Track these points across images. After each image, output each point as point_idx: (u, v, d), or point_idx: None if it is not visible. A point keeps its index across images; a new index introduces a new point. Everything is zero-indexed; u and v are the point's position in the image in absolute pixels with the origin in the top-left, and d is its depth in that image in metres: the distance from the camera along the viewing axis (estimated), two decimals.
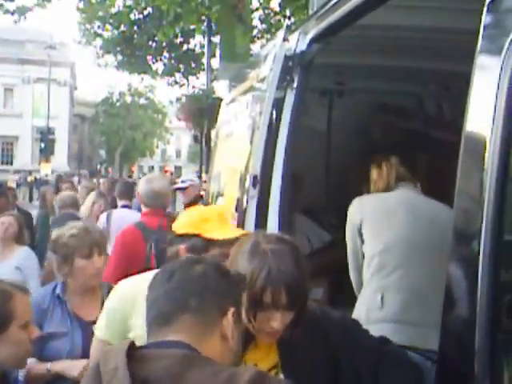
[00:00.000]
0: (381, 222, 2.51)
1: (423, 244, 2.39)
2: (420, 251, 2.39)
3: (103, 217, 5.01)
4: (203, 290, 1.20)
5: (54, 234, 2.65)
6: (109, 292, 2.49)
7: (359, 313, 2.40)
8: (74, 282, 2.54)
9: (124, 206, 5.37)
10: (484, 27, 1.44)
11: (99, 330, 2.11)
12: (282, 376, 1.52)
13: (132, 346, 1.15)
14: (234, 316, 1.21)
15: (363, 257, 2.52)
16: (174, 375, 1.08)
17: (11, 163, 46.48)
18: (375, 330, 2.19)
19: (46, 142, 33.92)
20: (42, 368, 2.38)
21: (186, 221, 2.06)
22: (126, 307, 2.03)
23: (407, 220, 2.46)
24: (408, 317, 2.29)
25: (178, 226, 2.04)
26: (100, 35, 18.78)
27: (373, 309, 2.34)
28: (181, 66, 19.13)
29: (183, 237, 1.98)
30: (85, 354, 2.32)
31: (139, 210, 4.48)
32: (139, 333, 1.98)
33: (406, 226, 2.45)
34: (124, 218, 4.49)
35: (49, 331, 2.44)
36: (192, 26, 15.96)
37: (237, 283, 1.29)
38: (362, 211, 2.57)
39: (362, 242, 2.53)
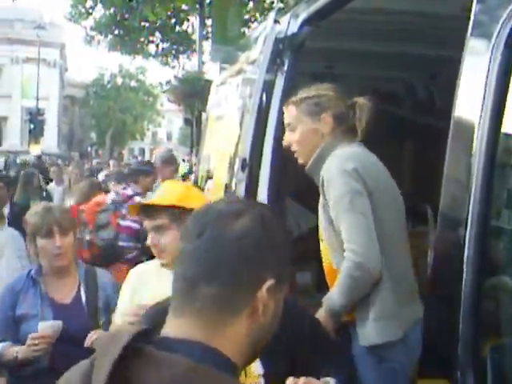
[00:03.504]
0: (386, 194, 2.09)
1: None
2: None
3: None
4: (238, 256, 0.93)
5: (27, 214, 2.67)
6: (86, 274, 2.58)
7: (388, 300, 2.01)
8: (44, 263, 2.53)
9: (126, 188, 5.52)
10: (474, 13, 1.43)
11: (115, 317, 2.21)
12: None
13: (144, 333, 0.90)
14: (271, 289, 0.94)
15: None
16: None
17: (0, 144, 46.08)
18: (409, 313, 2.00)
19: (35, 123, 33.57)
20: (10, 353, 2.36)
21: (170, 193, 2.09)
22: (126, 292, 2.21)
23: (394, 191, 2.15)
24: (410, 298, 2.14)
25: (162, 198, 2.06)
26: (91, 14, 18.57)
27: (403, 292, 2.04)
28: (173, 47, 18.98)
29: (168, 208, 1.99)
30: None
31: None
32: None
33: (395, 197, 2.14)
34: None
35: (20, 313, 2.44)
36: (185, 7, 15.83)
37: (284, 246, 1.00)
38: (366, 175, 2.03)
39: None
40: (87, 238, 4.22)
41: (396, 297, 1.98)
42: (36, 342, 2.28)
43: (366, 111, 2.15)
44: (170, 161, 5.19)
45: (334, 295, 2.02)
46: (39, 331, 2.30)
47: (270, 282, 0.94)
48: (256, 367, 1.56)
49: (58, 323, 2.34)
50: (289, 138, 2.23)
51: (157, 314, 1.39)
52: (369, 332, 1.96)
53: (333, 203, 2.03)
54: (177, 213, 1.96)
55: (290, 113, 2.22)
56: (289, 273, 1.01)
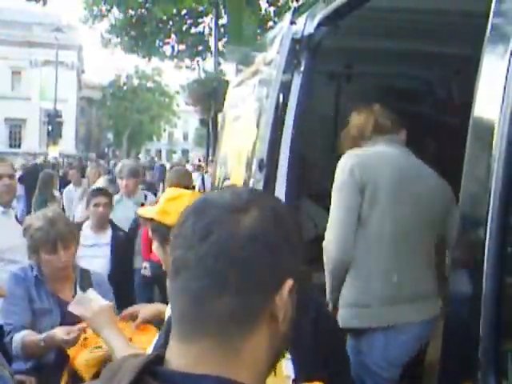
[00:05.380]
0: (395, 192, 2.26)
1: (422, 217, 2.28)
2: (421, 225, 2.29)
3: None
4: (252, 259, 0.78)
5: (26, 220, 2.76)
6: (81, 274, 2.71)
7: (369, 290, 2.25)
8: (46, 271, 2.62)
9: (141, 189, 5.97)
10: (494, 12, 1.42)
11: None
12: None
13: (151, 363, 0.78)
14: (290, 291, 0.81)
15: (358, 219, 2.28)
16: None
17: (19, 146, 46.60)
18: (392, 312, 2.22)
19: (53, 124, 33.92)
20: (34, 340, 2.40)
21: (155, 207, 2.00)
22: None
23: (415, 190, 2.29)
24: (422, 291, 2.26)
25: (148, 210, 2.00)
26: (105, 16, 18.71)
27: (388, 288, 2.22)
28: (189, 49, 19.05)
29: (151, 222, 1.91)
30: None
31: None
32: None
33: (415, 198, 2.28)
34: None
35: (37, 307, 2.54)
36: (201, 8, 15.88)
37: (298, 238, 0.86)
38: (368, 174, 2.25)
39: (361, 204, 2.26)
40: None
41: (364, 289, 2.23)
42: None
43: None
44: (136, 173, 5.26)
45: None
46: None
47: (289, 284, 0.80)
48: (286, 367, 1.55)
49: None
50: None
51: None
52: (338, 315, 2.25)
53: None
54: (155, 226, 1.86)
55: None
56: (303, 267, 0.88)
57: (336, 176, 2.33)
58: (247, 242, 0.78)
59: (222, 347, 0.77)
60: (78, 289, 2.62)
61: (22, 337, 2.40)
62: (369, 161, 2.32)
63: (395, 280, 2.21)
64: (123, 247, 4.37)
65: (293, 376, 1.56)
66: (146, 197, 5.31)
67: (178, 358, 0.79)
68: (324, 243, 2.34)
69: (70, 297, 2.52)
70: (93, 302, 2.10)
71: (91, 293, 2.20)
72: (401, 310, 2.24)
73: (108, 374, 0.78)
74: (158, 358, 0.79)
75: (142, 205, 4.78)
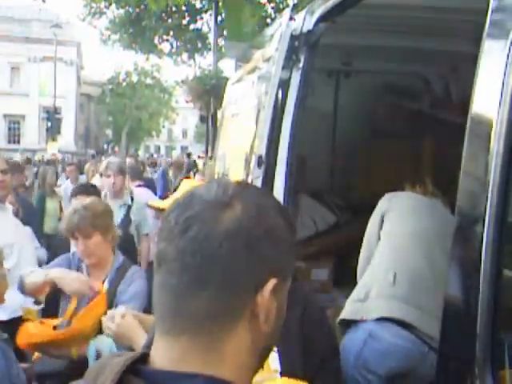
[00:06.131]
0: (405, 209, 2.57)
1: (439, 241, 2.40)
2: (434, 246, 2.40)
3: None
4: (231, 257, 0.76)
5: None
6: (119, 267, 2.71)
7: (367, 287, 2.41)
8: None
9: (139, 186, 5.95)
10: (492, 10, 1.42)
11: None
12: None
13: (135, 362, 0.77)
14: (274, 290, 0.78)
15: (376, 244, 2.54)
16: None
17: (18, 142, 46.54)
18: (385, 305, 2.25)
19: (52, 121, 33.94)
20: (38, 275, 2.51)
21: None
22: None
23: (429, 216, 2.52)
24: (417, 299, 2.30)
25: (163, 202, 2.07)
26: (104, 13, 18.67)
27: (384, 285, 2.35)
28: (188, 45, 19.01)
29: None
30: None
31: None
32: None
33: (425, 219, 2.50)
34: (141, 195, 5.15)
35: None
36: (199, 5, 15.86)
37: (286, 235, 0.82)
38: (391, 201, 2.61)
39: (381, 228, 2.56)
40: None
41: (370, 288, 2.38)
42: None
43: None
44: (124, 171, 4.85)
45: None
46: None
47: (272, 283, 0.78)
48: (273, 361, 1.57)
49: None
50: None
51: None
52: None
53: None
54: None
55: None
56: (292, 266, 0.85)
57: None
58: (224, 239, 0.76)
59: (204, 345, 0.76)
60: (106, 283, 2.64)
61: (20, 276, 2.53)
62: (395, 195, 2.66)
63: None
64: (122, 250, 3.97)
65: (279, 369, 1.58)
66: (132, 199, 4.76)
67: (161, 354, 0.78)
68: None
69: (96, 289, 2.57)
70: (116, 318, 2.13)
71: (120, 309, 2.21)
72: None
73: (92, 374, 0.77)
74: (142, 357, 0.78)
75: (129, 207, 4.57)
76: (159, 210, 1.95)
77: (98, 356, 2.32)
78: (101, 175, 4.84)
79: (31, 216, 5.00)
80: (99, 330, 2.32)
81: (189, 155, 23.04)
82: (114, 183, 4.55)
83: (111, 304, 2.53)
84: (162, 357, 0.77)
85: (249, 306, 0.77)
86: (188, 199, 0.80)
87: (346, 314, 2.38)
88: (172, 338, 0.77)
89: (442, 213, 2.56)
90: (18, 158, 17.25)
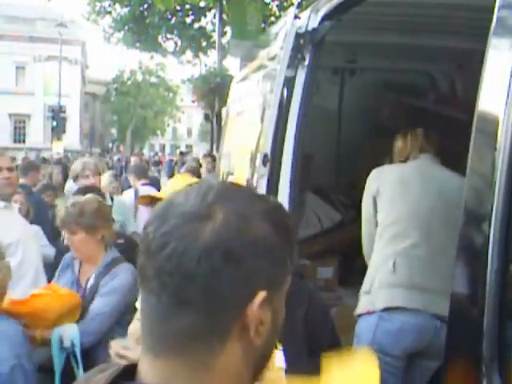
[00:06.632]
0: (395, 191, 2.58)
1: (434, 214, 2.46)
2: (430, 221, 2.46)
3: (131, 192, 5.68)
4: (211, 274, 0.70)
5: None
6: (108, 263, 2.74)
7: (371, 278, 2.46)
8: None
9: (144, 184, 6.06)
10: (498, 7, 1.41)
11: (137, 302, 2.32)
12: None
13: (119, 377, 0.75)
14: (264, 303, 0.72)
15: (376, 226, 2.58)
16: None
17: (23, 141, 46.68)
18: (387, 295, 2.29)
19: (57, 120, 33.98)
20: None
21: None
22: None
23: (419, 191, 2.53)
24: (419, 282, 2.33)
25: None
26: (109, 12, 18.68)
27: (385, 274, 2.41)
28: (192, 44, 19.00)
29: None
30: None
31: None
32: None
33: (418, 196, 2.52)
34: (147, 193, 4.97)
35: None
36: (202, 3, 15.85)
37: (276, 244, 0.75)
38: (379, 180, 2.63)
39: (376, 211, 2.60)
40: None
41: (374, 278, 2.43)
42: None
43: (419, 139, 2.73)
44: (99, 171, 4.70)
45: None
46: None
47: (261, 296, 0.72)
48: (279, 360, 1.57)
49: None
50: None
51: None
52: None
53: None
54: None
55: None
56: (287, 273, 0.78)
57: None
58: (203, 255, 0.69)
59: (191, 364, 0.71)
60: (92, 278, 2.70)
61: None
62: (381, 171, 2.68)
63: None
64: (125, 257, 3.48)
65: (285, 367, 1.58)
66: (112, 199, 4.65)
67: (148, 371, 0.73)
68: None
69: (84, 282, 2.71)
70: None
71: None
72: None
73: None
74: (125, 372, 0.75)
75: (110, 208, 4.44)
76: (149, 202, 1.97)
77: (61, 343, 2.42)
78: (75, 178, 4.57)
79: (44, 214, 4.99)
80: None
81: (182, 153, 23.36)
82: (94, 183, 4.39)
83: (93, 297, 2.63)
84: (149, 372, 0.73)
85: (237, 322, 0.72)
86: (165, 210, 0.74)
87: (357, 309, 2.46)
88: (153, 357, 0.73)
89: (432, 174, 2.59)
90: (22, 156, 17.32)
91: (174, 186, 2.18)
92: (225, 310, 0.71)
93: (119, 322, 2.58)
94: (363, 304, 2.45)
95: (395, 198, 2.56)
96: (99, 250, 2.75)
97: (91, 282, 2.69)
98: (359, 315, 2.44)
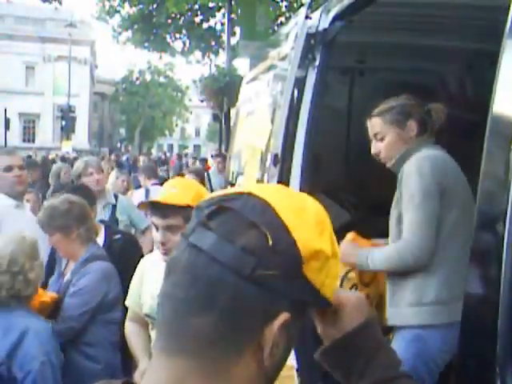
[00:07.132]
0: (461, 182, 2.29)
1: None
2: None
3: (141, 192, 5.79)
4: (219, 292, 0.68)
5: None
6: (84, 260, 2.81)
7: (446, 286, 2.17)
8: None
9: (154, 184, 6.07)
10: None
11: (127, 299, 2.45)
12: None
13: None
14: (284, 325, 0.70)
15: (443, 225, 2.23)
16: None
17: (33, 141, 46.92)
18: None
19: (66, 119, 34.15)
20: None
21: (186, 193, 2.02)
22: (137, 279, 2.37)
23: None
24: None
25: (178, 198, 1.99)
26: (118, 11, 18.73)
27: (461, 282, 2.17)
28: (201, 44, 19.01)
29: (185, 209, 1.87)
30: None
31: None
32: (147, 299, 2.28)
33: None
34: (157, 192, 4.97)
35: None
36: (212, 4, 15.86)
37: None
38: (445, 173, 2.26)
39: (446, 207, 2.24)
40: None
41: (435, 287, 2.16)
42: None
43: (440, 115, 2.47)
44: (102, 169, 4.47)
45: (376, 255, 2.25)
46: None
47: (283, 317, 0.70)
48: (290, 358, 1.57)
49: None
50: (378, 146, 2.48)
51: None
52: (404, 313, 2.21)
53: (405, 200, 2.21)
54: (190, 212, 1.84)
55: (376, 124, 2.49)
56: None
57: (415, 178, 2.22)
58: (211, 278, 0.69)
59: (205, 369, 0.69)
60: (68, 273, 2.84)
61: None
62: (444, 164, 2.30)
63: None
64: (123, 253, 3.29)
65: (296, 366, 1.58)
66: (116, 198, 4.41)
67: (160, 372, 0.70)
68: (411, 245, 2.17)
69: (68, 276, 2.84)
70: None
71: None
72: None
73: None
74: None
75: (114, 207, 4.25)
76: (181, 208, 1.92)
77: None
78: (77, 178, 4.41)
79: None
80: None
81: (179, 156, 23.62)
82: (98, 180, 4.24)
83: (65, 294, 2.74)
84: (162, 377, 0.69)
85: (255, 338, 0.70)
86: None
87: (414, 318, 2.22)
88: (166, 357, 0.70)
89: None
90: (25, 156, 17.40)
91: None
92: (244, 323, 0.69)
93: (98, 321, 2.68)
94: (433, 313, 2.17)
95: (455, 203, 2.23)
96: (77, 247, 2.81)
97: (67, 277, 2.82)
98: (422, 325, 2.18)
